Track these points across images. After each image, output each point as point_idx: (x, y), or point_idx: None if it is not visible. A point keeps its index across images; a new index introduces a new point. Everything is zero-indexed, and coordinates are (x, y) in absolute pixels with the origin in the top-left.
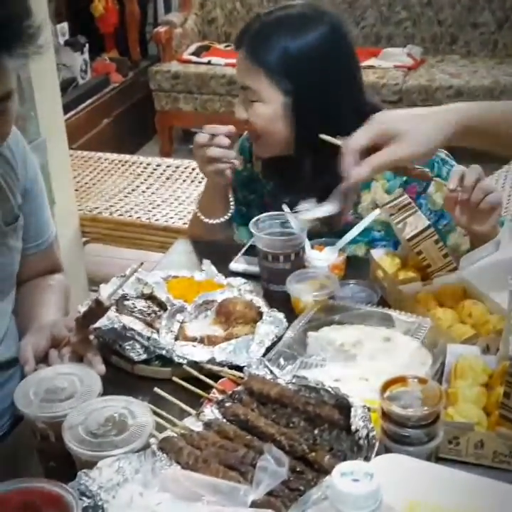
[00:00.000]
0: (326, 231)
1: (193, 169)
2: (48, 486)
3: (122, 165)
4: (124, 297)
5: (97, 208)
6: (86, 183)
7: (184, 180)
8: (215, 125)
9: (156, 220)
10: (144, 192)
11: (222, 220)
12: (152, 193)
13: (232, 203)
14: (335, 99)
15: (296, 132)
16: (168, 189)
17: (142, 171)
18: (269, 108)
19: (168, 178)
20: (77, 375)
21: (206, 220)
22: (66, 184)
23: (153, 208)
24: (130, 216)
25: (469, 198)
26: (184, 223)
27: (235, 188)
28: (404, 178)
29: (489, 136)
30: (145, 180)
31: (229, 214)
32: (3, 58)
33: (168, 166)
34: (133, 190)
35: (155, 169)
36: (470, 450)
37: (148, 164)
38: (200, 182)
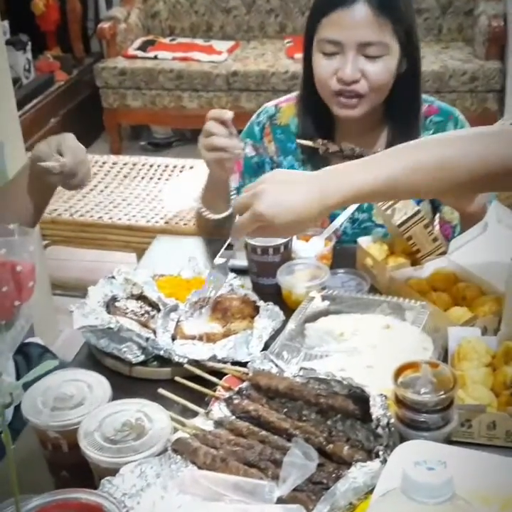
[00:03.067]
0: None
1: (151, 166)
2: (86, 496)
3: None
4: (115, 299)
5: (55, 209)
6: None
7: (142, 178)
8: (219, 110)
9: (119, 219)
10: (102, 191)
11: (228, 213)
12: (111, 192)
13: (233, 193)
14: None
15: (396, 85)
16: (128, 187)
17: (98, 170)
18: (394, 59)
19: (125, 176)
20: (84, 381)
21: (211, 215)
22: None
23: (114, 207)
24: (91, 216)
25: None
26: (147, 221)
27: (242, 174)
28: None
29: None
30: (102, 179)
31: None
32: None
33: (124, 164)
34: (91, 189)
35: (111, 167)
36: (482, 432)
37: (103, 163)
38: (159, 178)
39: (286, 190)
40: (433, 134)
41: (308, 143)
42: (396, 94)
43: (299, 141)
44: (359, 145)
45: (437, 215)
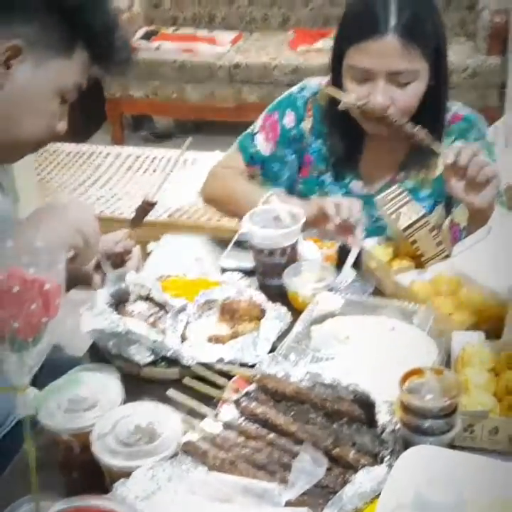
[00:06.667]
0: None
1: (154, 158)
2: (104, 504)
3: (80, 157)
4: (123, 301)
5: None
6: (43, 178)
7: (146, 170)
8: None
9: (121, 213)
10: (104, 185)
11: None
12: (114, 185)
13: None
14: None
15: (425, 97)
16: (130, 180)
17: (101, 162)
18: (423, 82)
19: (128, 169)
20: (97, 382)
21: None
22: (29, 180)
23: (119, 199)
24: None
25: (466, 170)
26: (150, 215)
27: (277, 143)
28: None
29: None
30: (105, 171)
31: None
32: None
33: (128, 156)
34: (93, 183)
35: (115, 158)
36: (484, 437)
37: (107, 154)
38: (162, 170)
39: None
40: (454, 140)
41: (338, 93)
42: (424, 105)
43: (329, 89)
44: (386, 152)
45: (449, 218)
